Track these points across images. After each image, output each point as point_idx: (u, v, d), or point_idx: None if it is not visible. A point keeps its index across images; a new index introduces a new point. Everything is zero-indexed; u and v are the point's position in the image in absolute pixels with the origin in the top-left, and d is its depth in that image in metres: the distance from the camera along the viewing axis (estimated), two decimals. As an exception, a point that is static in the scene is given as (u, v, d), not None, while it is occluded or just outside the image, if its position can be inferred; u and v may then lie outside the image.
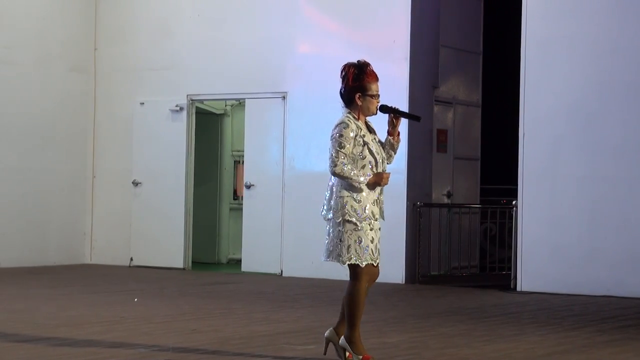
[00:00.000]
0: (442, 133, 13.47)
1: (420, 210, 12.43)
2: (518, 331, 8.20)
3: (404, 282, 12.19)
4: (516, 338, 7.81)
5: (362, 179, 6.24)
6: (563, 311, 9.72)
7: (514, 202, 11.85)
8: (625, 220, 11.08)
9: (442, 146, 13.46)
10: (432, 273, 12.76)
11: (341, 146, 6.24)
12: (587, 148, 11.30)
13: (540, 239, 11.45)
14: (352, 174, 6.22)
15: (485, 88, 14.29)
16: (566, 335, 7.98)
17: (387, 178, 6.32)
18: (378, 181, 6.29)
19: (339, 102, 6.44)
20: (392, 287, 11.60)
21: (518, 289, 11.50)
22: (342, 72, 6.39)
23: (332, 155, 6.24)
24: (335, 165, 6.23)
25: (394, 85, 12.09)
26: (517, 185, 11.66)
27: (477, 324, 8.59)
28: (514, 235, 11.83)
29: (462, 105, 13.92)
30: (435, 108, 13.29)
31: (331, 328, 6.51)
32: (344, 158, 6.24)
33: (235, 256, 14.50)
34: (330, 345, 6.53)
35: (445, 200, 13.52)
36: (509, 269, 12.22)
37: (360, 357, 6.26)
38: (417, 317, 9.07)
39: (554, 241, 11.38)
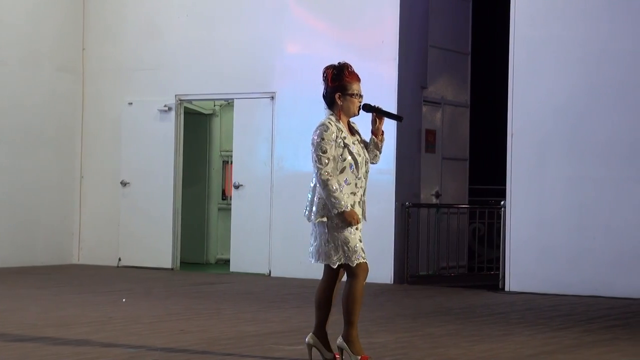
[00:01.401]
0: (431, 133, 13.49)
1: (408, 211, 12.44)
2: (506, 331, 8.22)
3: (392, 282, 12.20)
4: (504, 338, 7.82)
5: (343, 203, 6.13)
6: (551, 311, 9.75)
7: (502, 203, 11.88)
8: (612, 221, 11.12)
9: (430, 146, 13.48)
10: (421, 273, 12.78)
11: (323, 150, 6.21)
12: (575, 149, 11.33)
13: (529, 239, 11.48)
14: (335, 194, 6.14)
15: (474, 89, 14.32)
16: (554, 335, 8.00)
17: (356, 221, 6.20)
18: (350, 220, 6.18)
19: (323, 105, 6.44)
20: (381, 287, 11.61)
21: (506, 289, 11.53)
22: (323, 75, 6.41)
23: (315, 161, 6.21)
24: (322, 174, 6.18)
25: (382, 86, 12.11)
26: (505, 185, 11.69)
27: (465, 324, 8.61)
28: (502, 236, 11.85)
29: (451, 105, 13.94)
30: (424, 108, 13.31)
31: (310, 333, 6.49)
32: (327, 162, 6.19)
33: (224, 256, 14.48)
34: (315, 350, 6.51)
35: (434, 201, 13.54)
36: (497, 269, 12.26)
37: (359, 357, 6.26)
38: (405, 317, 9.08)
39: (542, 241, 11.41)
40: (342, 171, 6.25)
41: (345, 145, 6.27)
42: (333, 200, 6.16)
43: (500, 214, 12.03)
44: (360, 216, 6.30)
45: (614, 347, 7.51)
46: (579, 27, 11.38)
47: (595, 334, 8.18)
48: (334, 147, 6.23)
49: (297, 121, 12.76)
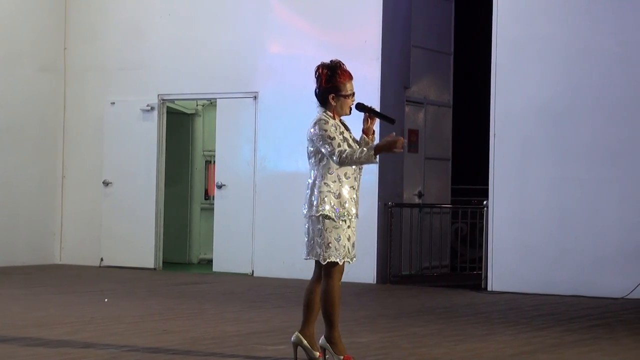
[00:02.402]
0: (414, 133, 13.51)
1: (391, 210, 12.45)
2: (488, 331, 8.24)
3: (375, 282, 12.21)
4: (486, 338, 7.84)
5: (367, 153, 6.12)
6: (533, 311, 9.78)
7: (484, 202, 11.91)
8: (594, 221, 11.16)
9: (413, 146, 13.50)
10: (404, 273, 12.80)
11: (331, 137, 6.22)
12: (557, 149, 11.37)
13: (511, 239, 11.51)
14: (357, 153, 6.13)
15: (456, 88, 14.35)
16: (536, 335, 8.03)
17: (401, 143, 6.19)
18: (391, 144, 6.17)
19: (314, 102, 6.44)
20: (364, 287, 11.62)
21: (488, 288, 11.56)
22: (315, 73, 6.40)
23: (329, 149, 6.18)
24: (339, 155, 6.15)
25: (365, 86, 12.07)
26: (487, 185, 11.72)
27: (447, 324, 8.62)
28: (484, 236, 11.89)
29: (433, 105, 13.97)
30: (407, 108, 13.32)
31: (296, 332, 6.49)
32: (338, 145, 6.19)
33: (207, 256, 14.46)
34: (300, 349, 6.51)
35: (417, 200, 13.56)
36: (480, 268, 12.28)
37: (341, 357, 6.26)
38: (388, 317, 9.09)
39: (524, 241, 11.44)
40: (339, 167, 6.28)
41: (345, 140, 6.29)
42: (362, 156, 6.11)
43: (483, 214, 12.06)
44: (354, 215, 6.32)
45: (595, 346, 7.54)
46: (561, 27, 11.42)
47: (576, 333, 8.21)
48: (337, 135, 6.24)
49: (279, 121, 12.75)
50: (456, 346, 7.37)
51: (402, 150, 6.27)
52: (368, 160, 6.16)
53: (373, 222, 12.24)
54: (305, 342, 6.41)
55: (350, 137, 6.39)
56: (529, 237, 11.42)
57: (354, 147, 6.31)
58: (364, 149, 6.18)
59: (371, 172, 12.13)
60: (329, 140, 6.21)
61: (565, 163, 11.32)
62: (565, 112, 11.34)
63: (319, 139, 6.25)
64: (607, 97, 11.18)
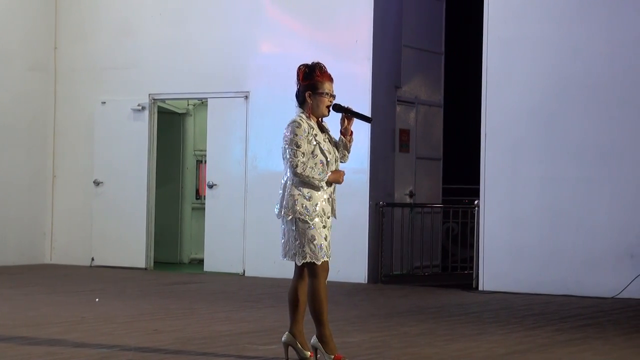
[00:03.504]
0: (405, 133, 13.52)
1: (382, 210, 12.45)
2: (479, 330, 8.25)
3: (366, 281, 12.21)
4: (477, 337, 7.85)
5: (323, 176, 6.28)
6: (524, 310, 9.79)
7: (475, 202, 11.92)
8: (585, 221, 11.18)
9: (404, 146, 13.50)
10: (395, 272, 12.80)
11: (297, 145, 6.25)
12: (548, 149, 11.39)
13: (502, 239, 11.52)
14: (313, 173, 6.25)
15: (448, 88, 14.37)
16: (527, 335, 8.04)
17: (343, 176, 6.39)
18: (337, 178, 6.35)
19: (295, 104, 6.46)
20: (355, 287, 11.62)
21: (480, 288, 11.57)
22: (296, 73, 6.42)
23: (290, 156, 6.25)
24: (297, 166, 6.24)
25: (356, 85, 12.12)
26: (478, 185, 11.73)
27: (439, 323, 8.63)
28: (475, 235, 11.90)
29: (425, 105, 13.97)
30: (398, 108, 13.33)
31: (287, 332, 6.49)
32: (302, 157, 6.25)
33: (198, 256, 14.45)
34: (291, 349, 6.50)
35: (408, 200, 13.57)
36: (471, 268, 12.30)
37: (332, 356, 6.26)
38: (379, 317, 9.09)
39: (515, 241, 11.46)
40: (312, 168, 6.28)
41: (317, 143, 6.30)
42: (316, 177, 6.25)
43: (474, 214, 12.07)
44: (330, 213, 6.33)
45: (585, 345, 7.55)
46: (552, 27, 11.44)
47: (567, 333, 8.23)
48: (305, 143, 6.26)
49: (271, 121, 12.74)
50: (447, 346, 7.37)
51: (343, 181, 6.40)
52: (317, 184, 6.26)
53: (364, 222, 12.24)
54: (298, 343, 6.41)
55: (327, 138, 6.39)
56: (520, 236, 11.43)
57: (328, 149, 6.32)
58: (319, 177, 6.24)
59: (362, 172, 12.13)
60: (295, 148, 6.25)
61: (556, 163, 11.33)
62: (556, 112, 11.36)
63: (286, 142, 6.27)
64: (598, 97, 11.20)
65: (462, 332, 8.09)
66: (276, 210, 6.38)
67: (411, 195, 13.65)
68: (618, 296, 10.78)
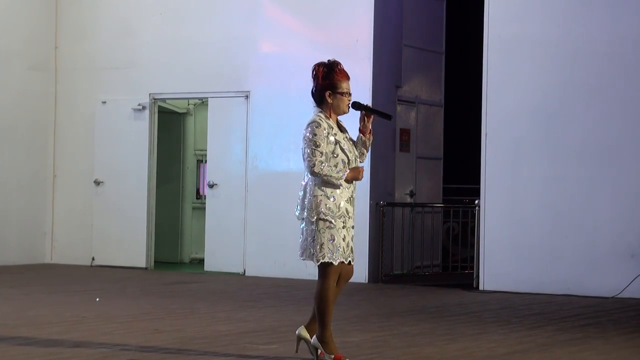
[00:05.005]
0: (405, 132, 13.52)
1: (383, 210, 12.45)
2: (480, 330, 8.25)
3: (367, 281, 12.21)
4: (478, 337, 7.85)
5: (341, 174, 6.26)
6: (524, 310, 9.79)
7: (476, 202, 11.92)
8: (585, 220, 11.18)
9: (405, 145, 13.50)
10: (395, 272, 12.80)
11: (316, 145, 6.24)
12: (549, 148, 11.38)
13: (502, 238, 11.52)
14: (331, 172, 6.23)
15: (448, 88, 14.36)
16: (527, 334, 8.04)
17: (362, 172, 6.38)
18: (356, 175, 6.34)
19: (308, 102, 6.45)
20: (355, 286, 11.61)
21: (480, 288, 11.57)
22: (312, 72, 6.42)
23: (308, 155, 6.23)
24: (314, 165, 6.22)
25: (356, 85, 11.96)
26: (479, 184, 11.73)
27: (439, 323, 8.63)
28: (476, 235, 11.89)
29: (425, 104, 13.97)
30: (398, 107, 13.33)
31: (302, 326, 6.50)
32: (320, 156, 6.24)
33: (198, 256, 14.45)
34: (302, 343, 6.51)
35: (408, 200, 13.57)
36: (472, 268, 12.30)
37: (332, 356, 6.26)
38: (380, 316, 9.09)
39: (515, 241, 11.46)
40: (334, 167, 6.28)
41: (337, 142, 6.30)
42: (334, 176, 6.24)
43: (474, 213, 12.07)
44: (352, 213, 6.34)
45: (586, 345, 7.55)
46: (552, 27, 11.44)
47: (568, 332, 8.22)
48: (325, 143, 6.25)
49: (271, 120, 12.75)
50: (448, 345, 7.37)
51: (363, 177, 6.45)
52: (336, 182, 6.25)
53: (365, 221, 12.24)
54: (309, 338, 6.38)
55: (346, 137, 6.39)
56: (521, 236, 11.43)
57: (349, 148, 6.31)
58: (339, 172, 6.22)
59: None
60: (314, 148, 6.23)
61: (557, 162, 11.33)
62: (557, 111, 11.36)
63: (305, 142, 6.26)
64: (599, 96, 11.19)
65: (463, 332, 8.09)
66: (297, 212, 6.36)
67: (412, 194, 13.65)
68: (619, 296, 10.78)
